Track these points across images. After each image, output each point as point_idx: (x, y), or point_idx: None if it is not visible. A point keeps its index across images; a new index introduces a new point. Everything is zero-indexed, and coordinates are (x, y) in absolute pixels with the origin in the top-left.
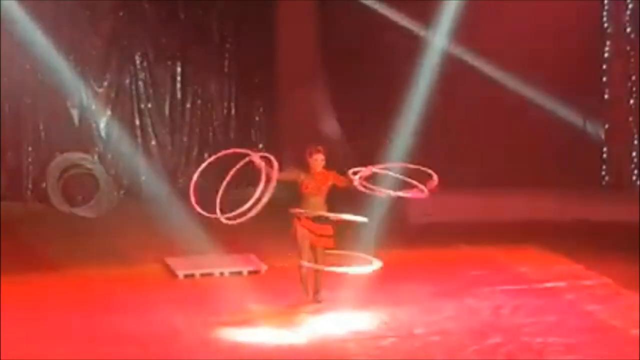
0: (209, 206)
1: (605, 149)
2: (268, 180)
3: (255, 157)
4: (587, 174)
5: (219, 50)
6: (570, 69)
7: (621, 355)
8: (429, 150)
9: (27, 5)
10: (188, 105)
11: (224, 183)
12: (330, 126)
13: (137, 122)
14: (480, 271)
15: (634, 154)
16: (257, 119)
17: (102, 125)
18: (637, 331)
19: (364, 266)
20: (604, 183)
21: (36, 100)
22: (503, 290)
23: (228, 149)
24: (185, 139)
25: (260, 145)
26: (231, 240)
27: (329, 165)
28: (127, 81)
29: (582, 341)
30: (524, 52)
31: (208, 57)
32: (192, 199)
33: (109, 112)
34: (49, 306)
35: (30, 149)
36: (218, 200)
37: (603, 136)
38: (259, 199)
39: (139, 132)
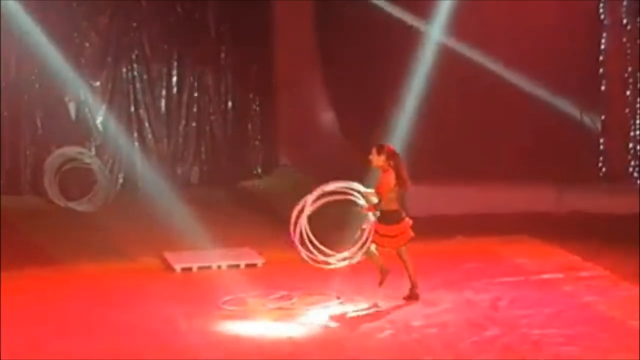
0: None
1: (602, 141)
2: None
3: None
4: (584, 166)
5: (215, 43)
6: (567, 60)
7: (619, 346)
8: (425, 143)
9: (25, 1)
10: (184, 99)
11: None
12: (327, 119)
13: (134, 115)
14: (477, 263)
15: (630, 145)
16: (253, 112)
17: (99, 119)
18: (635, 322)
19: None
20: (600, 175)
21: (33, 95)
22: (500, 283)
23: (224, 142)
24: (181, 132)
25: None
26: (228, 233)
27: (325, 161)
28: (124, 75)
29: (580, 333)
30: (520, 44)
31: (204, 51)
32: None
33: (105, 106)
34: (47, 299)
35: (27, 143)
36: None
37: (600, 128)
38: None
39: (135, 126)
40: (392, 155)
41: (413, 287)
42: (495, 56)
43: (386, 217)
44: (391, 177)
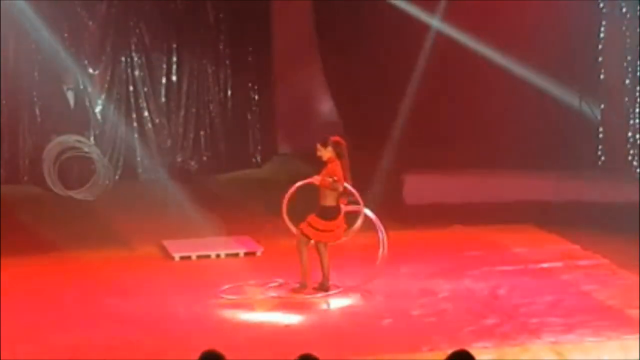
0: None
1: (601, 129)
2: None
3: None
4: (583, 154)
5: (214, 32)
6: (566, 49)
7: (617, 334)
8: (424, 132)
9: None
10: (183, 87)
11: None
12: (326, 107)
13: (133, 104)
14: (476, 252)
15: (629, 134)
16: (252, 100)
17: (98, 107)
18: (634, 310)
19: None
20: (599, 163)
21: (32, 83)
22: (499, 271)
23: (223, 130)
24: (181, 121)
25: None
26: (227, 222)
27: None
28: (123, 63)
29: (579, 321)
30: (519, 32)
31: (203, 39)
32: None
33: (104, 95)
34: (46, 288)
35: (26, 132)
36: None
37: (599, 116)
38: None
39: (134, 115)
40: (336, 145)
41: (324, 279)
42: (494, 45)
43: (324, 213)
44: (336, 169)
